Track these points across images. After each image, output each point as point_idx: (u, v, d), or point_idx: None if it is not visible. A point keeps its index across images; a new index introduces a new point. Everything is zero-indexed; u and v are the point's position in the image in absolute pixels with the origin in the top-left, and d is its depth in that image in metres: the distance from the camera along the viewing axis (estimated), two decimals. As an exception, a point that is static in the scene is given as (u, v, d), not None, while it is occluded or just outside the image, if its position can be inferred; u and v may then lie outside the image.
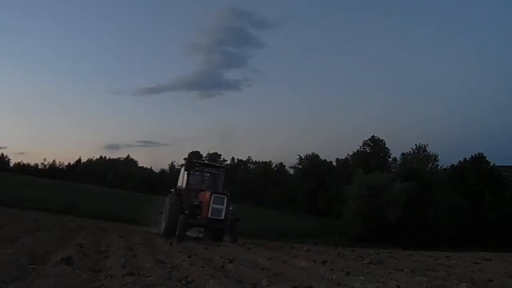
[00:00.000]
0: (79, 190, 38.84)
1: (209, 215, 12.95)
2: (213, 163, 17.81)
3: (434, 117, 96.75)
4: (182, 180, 15.19)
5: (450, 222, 37.22)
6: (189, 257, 7.26)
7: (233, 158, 77.55)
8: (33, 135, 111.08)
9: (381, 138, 57.62)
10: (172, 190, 15.07)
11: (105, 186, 53.71)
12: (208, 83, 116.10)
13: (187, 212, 13.35)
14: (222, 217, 13.15)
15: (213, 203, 13.04)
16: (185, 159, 18.38)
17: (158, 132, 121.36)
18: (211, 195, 13.24)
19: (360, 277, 6.79)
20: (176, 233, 12.70)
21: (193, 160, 18.63)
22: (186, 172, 14.91)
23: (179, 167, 18.31)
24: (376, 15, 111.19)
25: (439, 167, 52.00)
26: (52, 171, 67.82)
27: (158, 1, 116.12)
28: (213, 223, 13.36)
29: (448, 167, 49.05)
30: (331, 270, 7.48)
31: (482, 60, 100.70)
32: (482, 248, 25.01)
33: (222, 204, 13.16)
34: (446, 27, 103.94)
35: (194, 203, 13.39)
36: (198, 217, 13.22)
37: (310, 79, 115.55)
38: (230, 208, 13.65)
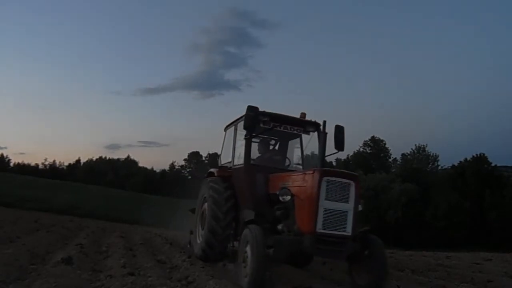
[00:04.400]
0: (79, 190, 38.87)
1: (317, 227, 5.26)
2: (295, 117, 7.65)
3: (434, 117, 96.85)
4: (233, 150, 7.68)
5: (450, 222, 37.24)
6: (189, 257, 7.26)
7: (233, 158, 77.30)
8: (33, 135, 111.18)
9: (381, 138, 57.72)
10: (213, 170, 8.11)
11: (105, 186, 53.72)
12: (209, 83, 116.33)
13: (252, 216, 6.15)
14: (349, 231, 5.37)
15: (327, 197, 5.32)
16: (249, 110, 6.52)
17: (158, 132, 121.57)
18: (321, 177, 5.31)
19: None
20: (253, 277, 5.06)
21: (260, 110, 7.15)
22: (245, 137, 7.02)
23: (225, 131, 8.64)
24: (376, 15, 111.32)
25: (439, 168, 52.09)
26: (52, 171, 67.84)
27: (159, 1, 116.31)
28: (328, 246, 5.32)
29: (449, 167, 49.11)
30: (331, 270, 7.49)
31: (482, 60, 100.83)
32: (482, 248, 24.98)
33: (347, 200, 5.40)
34: (446, 27, 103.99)
35: (282, 197, 5.69)
36: (282, 229, 5.70)
37: (310, 79, 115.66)
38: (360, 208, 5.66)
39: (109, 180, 62.40)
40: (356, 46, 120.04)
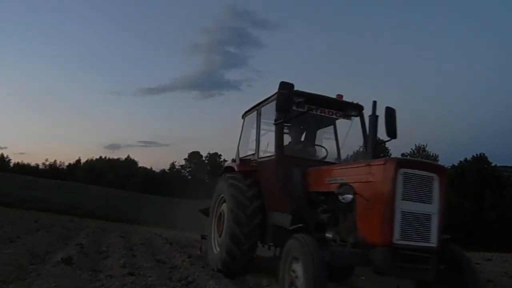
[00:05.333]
0: (79, 190, 38.86)
1: (394, 237, 3.75)
2: (335, 98, 6.08)
3: (434, 117, 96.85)
4: (257, 140, 6.42)
5: (450, 222, 37.23)
6: (189, 257, 7.26)
7: (233, 159, 77.33)
8: (34, 135, 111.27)
9: (381, 138, 57.71)
10: (232, 164, 6.97)
11: (105, 186, 53.71)
12: (209, 83, 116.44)
13: (289, 220, 4.97)
14: (434, 242, 3.90)
15: (404, 196, 3.82)
16: (282, 87, 4.97)
17: (158, 132, 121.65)
18: (396, 169, 3.79)
19: (361, 277, 6.80)
20: None
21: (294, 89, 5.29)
22: (275, 121, 5.58)
23: (243, 118, 7.32)
24: (376, 15, 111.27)
25: (439, 167, 52.02)
26: (52, 171, 67.83)
27: (159, 1, 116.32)
28: (409, 263, 3.78)
29: (449, 167, 49.12)
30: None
31: (482, 60, 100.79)
32: (482, 248, 24.96)
33: (430, 200, 3.97)
34: (446, 27, 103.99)
35: (343, 197, 4.10)
36: (333, 238, 4.45)
37: (310, 79, 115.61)
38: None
39: (109, 180, 62.35)
40: (356, 46, 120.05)
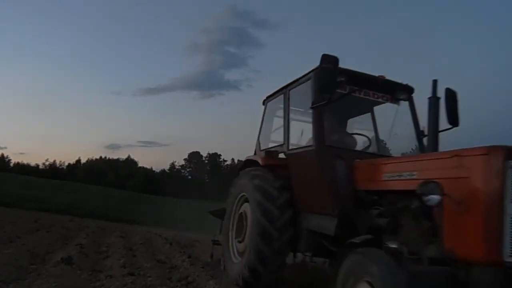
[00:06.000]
0: (79, 190, 38.81)
1: (505, 253, 2.77)
2: (383, 78, 4.91)
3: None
4: (286, 126, 5.42)
5: None
6: (189, 257, 7.26)
7: (233, 159, 77.65)
8: (33, 135, 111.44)
9: (381, 138, 57.75)
10: (255, 157, 5.89)
11: (105, 186, 53.72)
12: (209, 83, 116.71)
13: (334, 224, 4.22)
14: None
15: None
16: (325, 60, 3.91)
17: (158, 132, 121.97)
18: (504, 162, 2.86)
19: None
20: None
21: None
22: (313, 104, 4.52)
23: (265, 104, 6.32)
24: (376, 15, 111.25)
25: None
26: (52, 171, 67.90)
27: (159, 1, 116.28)
28: None
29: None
30: None
31: (482, 60, 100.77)
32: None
33: None
34: (446, 27, 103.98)
35: (427, 198, 3.01)
36: (399, 250, 3.09)
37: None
38: None
39: (109, 180, 62.42)
40: (356, 46, 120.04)
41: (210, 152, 79.88)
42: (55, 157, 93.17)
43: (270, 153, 5.59)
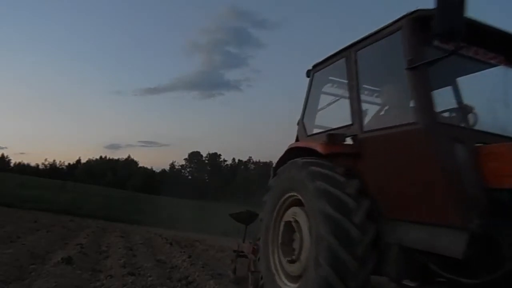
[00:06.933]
0: (79, 190, 38.83)
1: None
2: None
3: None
4: (356, 99, 3.83)
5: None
6: (189, 257, 7.26)
7: (233, 159, 77.80)
8: (33, 135, 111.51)
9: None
10: (308, 143, 4.20)
11: (105, 186, 53.73)
12: (209, 83, 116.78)
13: (464, 244, 2.69)
14: None
15: None
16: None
17: (158, 132, 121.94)
18: None
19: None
20: None
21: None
22: (412, 64, 3.10)
23: (311, 74, 4.67)
24: (376, 15, 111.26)
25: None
26: (52, 171, 67.92)
27: (159, 1, 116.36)
28: None
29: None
30: None
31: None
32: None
33: None
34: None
35: None
36: None
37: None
38: None
39: (109, 180, 62.44)
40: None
41: (210, 152, 79.94)
42: (55, 157, 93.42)
43: (336, 137, 3.84)
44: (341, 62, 4.15)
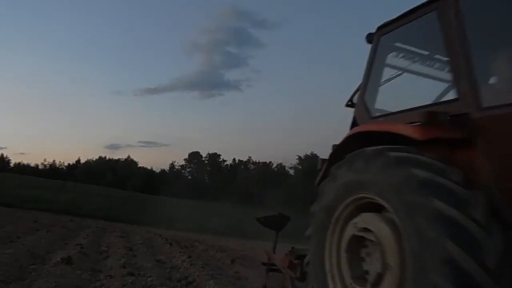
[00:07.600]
0: (79, 190, 38.83)
1: None
2: None
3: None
4: (464, 62, 2.60)
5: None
6: (189, 257, 7.26)
7: (233, 159, 77.79)
8: (33, 135, 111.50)
9: None
10: (396, 126, 2.81)
11: (105, 186, 53.72)
12: (209, 83, 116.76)
13: None
14: None
15: None
16: None
17: (158, 132, 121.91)
18: None
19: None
20: None
21: None
22: None
23: (374, 40, 3.42)
24: (376, 15, 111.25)
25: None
26: (52, 171, 67.92)
27: (159, 1, 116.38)
28: None
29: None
30: None
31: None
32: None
33: None
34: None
35: None
36: None
37: (311, 79, 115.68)
38: None
39: (109, 180, 62.42)
40: (356, 44, 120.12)
41: (210, 152, 79.88)
42: (55, 157, 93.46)
43: (438, 116, 2.68)
44: (423, 21, 3.13)
